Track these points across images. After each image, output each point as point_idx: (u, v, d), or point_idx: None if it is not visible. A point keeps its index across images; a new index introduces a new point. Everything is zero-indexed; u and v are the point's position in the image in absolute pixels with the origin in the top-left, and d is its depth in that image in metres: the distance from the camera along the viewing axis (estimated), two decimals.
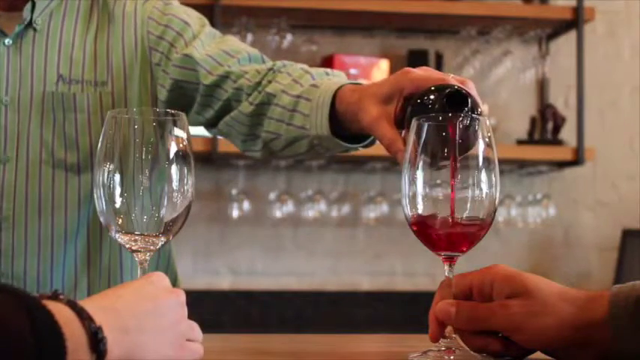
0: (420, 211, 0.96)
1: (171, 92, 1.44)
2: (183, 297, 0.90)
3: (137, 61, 1.45)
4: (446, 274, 0.97)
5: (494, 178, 0.96)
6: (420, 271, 3.15)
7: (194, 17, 1.50)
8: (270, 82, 1.37)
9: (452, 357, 0.94)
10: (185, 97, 1.44)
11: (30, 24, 1.45)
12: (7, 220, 1.42)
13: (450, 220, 0.95)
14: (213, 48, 1.44)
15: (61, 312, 0.73)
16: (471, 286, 0.95)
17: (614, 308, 0.88)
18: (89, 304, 0.78)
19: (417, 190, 0.96)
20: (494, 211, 0.96)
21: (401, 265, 3.20)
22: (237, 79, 1.40)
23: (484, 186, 0.95)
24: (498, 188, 0.96)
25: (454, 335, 0.95)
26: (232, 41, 1.48)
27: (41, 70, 1.44)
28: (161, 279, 0.90)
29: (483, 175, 0.95)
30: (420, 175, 0.96)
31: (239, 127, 1.41)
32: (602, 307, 0.89)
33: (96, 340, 0.74)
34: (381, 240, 3.20)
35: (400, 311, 3.06)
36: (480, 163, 0.95)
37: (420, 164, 0.96)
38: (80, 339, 0.74)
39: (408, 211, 0.97)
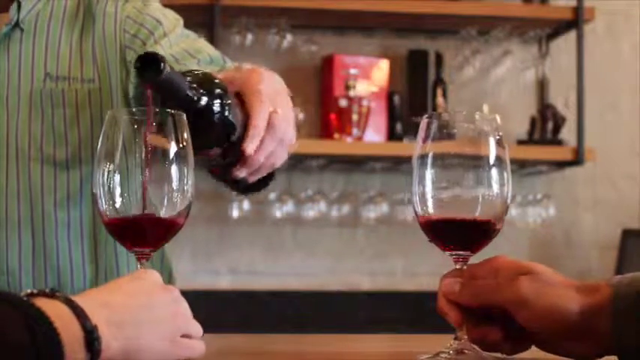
0: (430, 210, 0.96)
1: (137, 89, 1.45)
2: (176, 293, 0.91)
3: (117, 59, 1.46)
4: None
5: (505, 176, 0.96)
6: (420, 270, 3.15)
7: (169, 17, 1.51)
8: None
9: (463, 358, 0.93)
10: None
11: (17, 24, 1.46)
12: (0, 216, 1.43)
13: (457, 219, 0.95)
14: (177, 48, 1.45)
15: (58, 310, 0.74)
16: (475, 275, 0.95)
17: (616, 299, 0.88)
18: (85, 300, 0.78)
19: (426, 188, 0.96)
20: (506, 210, 0.96)
21: (401, 265, 3.20)
22: None
23: (495, 185, 0.95)
24: (510, 187, 0.96)
25: (465, 337, 0.95)
26: (198, 42, 1.49)
27: (28, 68, 1.45)
28: (153, 276, 0.91)
29: (494, 174, 0.95)
30: (429, 173, 0.95)
31: None
32: (604, 297, 0.89)
33: (91, 339, 0.75)
34: (381, 240, 3.20)
35: (401, 311, 3.06)
36: (492, 162, 0.95)
37: (429, 162, 0.95)
38: (77, 338, 0.74)
39: (419, 209, 0.97)
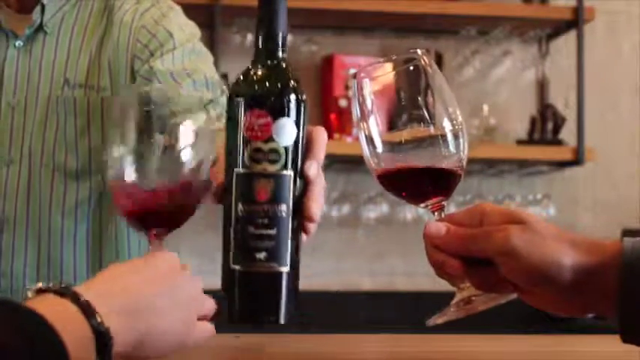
0: (383, 165, 0.94)
1: None
2: (186, 274, 0.89)
3: (127, 68, 1.45)
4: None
5: (455, 112, 0.93)
6: (420, 270, 3.15)
7: (186, 31, 1.48)
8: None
9: (469, 306, 0.90)
10: None
11: (41, 27, 1.45)
12: (8, 221, 1.43)
13: (415, 169, 0.92)
14: (178, 65, 1.43)
15: (64, 310, 0.72)
16: (460, 222, 0.89)
17: (628, 261, 0.81)
18: (95, 287, 0.76)
19: (377, 145, 0.94)
20: (463, 150, 0.93)
21: (401, 264, 3.20)
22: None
23: (446, 124, 0.92)
24: (460, 122, 0.93)
25: (467, 285, 0.90)
26: (201, 62, 1.46)
27: (49, 73, 1.44)
28: (168, 257, 0.88)
29: (442, 112, 0.92)
30: (374, 129, 0.93)
31: None
32: (609, 256, 0.83)
33: (102, 340, 0.73)
34: (381, 240, 3.20)
35: (400, 311, 3.06)
36: (441, 98, 0.93)
37: (372, 119, 0.93)
38: (84, 338, 0.72)
39: (374, 166, 0.95)
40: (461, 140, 0.92)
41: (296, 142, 0.97)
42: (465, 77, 3.26)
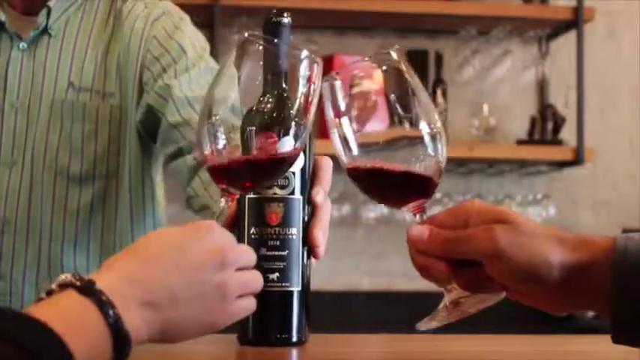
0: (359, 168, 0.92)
1: (145, 115, 1.42)
2: (228, 254, 0.82)
3: (135, 77, 1.44)
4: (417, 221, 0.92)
5: (433, 114, 0.91)
6: None
7: (197, 46, 1.46)
8: None
9: (459, 308, 0.89)
10: (153, 125, 1.42)
11: (45, 30, 1.45)
12: (9, 223, 1.42)
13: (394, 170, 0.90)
14: (197, 90, 1.38)
15: (82, 311, 0.71)
16: (443, 223, 0.87)
17: (620, 258, 0.80)
18: (117, 276, 0.74)
19: (352, 147, 0.92)
20: (441, 153, 0.91)
21: (401, 264, 3.20)
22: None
23: (423, 126, 0.90)
24: (439, 125, 0.91)
25: (455, 287, 0.89)
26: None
27: (53, 76, 1.43)
28: (204, 234, 0.82)
29: (419, 113, 0.91)
30: (349, 131, 0.92)
31: (180, 175, 1.38)
32: (599, 253, 0.81)
33: (121, 340, 0.72)
34: (380, 240, 3.20)
35: (400, 311, 3.06)
36: (417, 100, 0.91)
37: (346, 121, 0.92)
38: (99, 340, 0.71)
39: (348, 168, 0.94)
40: (439, 144, 0.91)
41: (303, 169, 1.06)
42: (465, 77, 3.26)
